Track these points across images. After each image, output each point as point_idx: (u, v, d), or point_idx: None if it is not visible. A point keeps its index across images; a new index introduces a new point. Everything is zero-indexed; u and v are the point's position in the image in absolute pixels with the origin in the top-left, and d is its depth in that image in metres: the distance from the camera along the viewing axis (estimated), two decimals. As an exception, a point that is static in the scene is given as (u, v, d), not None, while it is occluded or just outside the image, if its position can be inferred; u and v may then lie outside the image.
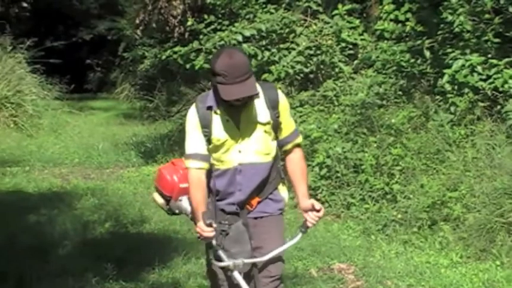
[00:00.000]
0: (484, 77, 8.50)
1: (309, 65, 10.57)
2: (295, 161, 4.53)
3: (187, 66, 11.36)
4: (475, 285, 6.59)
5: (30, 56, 18.13)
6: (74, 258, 7.20)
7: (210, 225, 4.17)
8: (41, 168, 12.65)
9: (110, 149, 14.71)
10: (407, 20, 10.12)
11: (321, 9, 11.23)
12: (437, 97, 9.00)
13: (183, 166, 4.64)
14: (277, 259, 4.46)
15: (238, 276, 4.26)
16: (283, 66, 10.50)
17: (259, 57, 10.76)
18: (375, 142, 8.97)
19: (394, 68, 9.78)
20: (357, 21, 10.99)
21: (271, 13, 11.14)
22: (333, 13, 10.99)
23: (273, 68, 10.56)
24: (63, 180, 11.56)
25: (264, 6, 11.41)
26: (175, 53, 11.45)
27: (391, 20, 10.27)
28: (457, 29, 8.84)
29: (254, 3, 11.44)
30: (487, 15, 8.74)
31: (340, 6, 10.95)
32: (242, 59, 4.26)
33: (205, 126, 4.37)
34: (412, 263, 7.22)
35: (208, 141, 4.39)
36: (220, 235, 4.31)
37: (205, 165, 4.40)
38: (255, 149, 4.40)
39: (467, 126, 8.50)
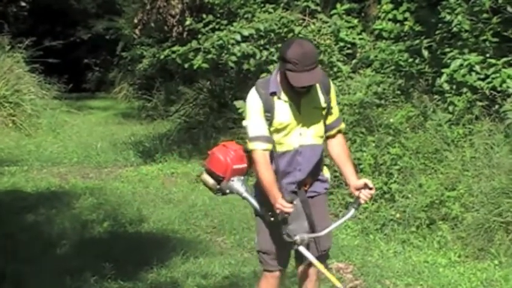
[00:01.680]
0: (482, 76, 8.51)
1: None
2: (340, 145, 4.89)
3: (186, 65, 11.35)
4: (473, 284, 6.60)
5: (29, 56, 18.14)
6: (72, 258, 7.21)
7: (291, 202, 4.50)
8: (39, 167, 12.65)
9: (109, 149, 14.72)
10: (405, 19, 10.13)
11: (319, 8, 11.23)
12: (436, 96, 9.00)
13: (234, 148, 4.97)
14: (328, 234, 4.87)
15: (304, 250, 4.66)
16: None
17: (257, 57, 10.75)
18: (373, 141, 8.97)
19: (393, 67, 9.78)
20: (355, 21, 10.98)
21: (270, 13, 11.14)
22: (332, 13, 10.99)
23: (271, 67, 10.55)
24: (62, 180, 11.56)
25: (262, 5, 11.40)
26: (173, 52, 11.45)
27: (389, 19, 10.28)
28: (455, 29, 8.84)
29: (252, 3, 11.43)
30: (485, 15, 8.74)
31: (338, 5, 10.94)
32: (312, 49, 4.62)
33: (268, 110, 4.66)
34: (410, 263, 7.23)
35: (270, 125, 4.68)
36: (278, 213, 4.61)
37: (270, 147, 4.70)
38: (313, 132, 4.76)
39: (465, 126, 8.50)
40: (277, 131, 4.71)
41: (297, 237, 4.61)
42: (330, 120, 4.84)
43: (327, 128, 4.85)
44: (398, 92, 9.54)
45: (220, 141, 12.88)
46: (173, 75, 19.28)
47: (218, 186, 5.00)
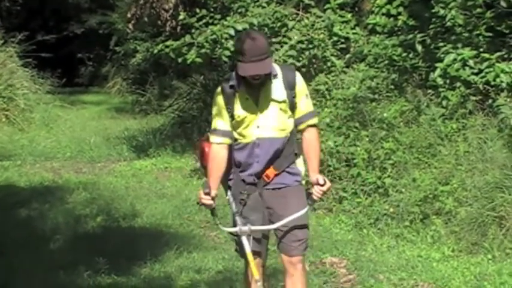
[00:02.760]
0: (475, 71, 8.51)
1: (301, 59, 10.56)
2: (309, 140, 4.93)
3: (179, 60, 11.32)
4: (466, 278, 6.60)
5: (22, 50, 18.12)
6: (66, 253, 7.20)
7: (207, 193, 4.74)
8: (32, 162, 12.64)
9: (102, 143, 14.72)
10: (399, 14, 10.11)
11: (313, 3, 11.21)
12: (429, 91, 9.00)
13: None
14: (302, 224, 4.89)
15: (244, 241, 4.78)
16: (275, 60, 10.48)
17: (251, 51, 10.72)
18: (367, 136, 8.97)
19: (386, 62, 9.78)
20: (349, 15, 10.97)
21: (263, 7, 11.12)
22: (325, 7, 10.98)
23: (265, 61, 10.53)
24: (55, 175, 11.55)
25: (256, 0, 11.39)
26: (167, 47, 11.42)
27: (383, 14, 10.26)
28: (448, 23, 8.84)
29: (246, -3, 11.43)
30: (478, 9, 8.74)
31: (332, 0, 10.94)
32: (261, 41, 4.69)
33: (228, 103, 4.83)
34: (404, 257, 7.24)
35: (232, 117, 4.84)
36: (239, 203, 4.88)
37: (226, 141, 4.87)
38: (272, 125, 4.83)
39: (459, 120, 8.51)
40: (238, 123, 4.85)
41: (237, 228, 4.81)
42: (298, 114, 4.89)
43: (296, 123, 4.90)
44: (392, 87, 9.54)
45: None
46: (167, 70, 19.28)
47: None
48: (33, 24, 26.81)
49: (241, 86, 4.79)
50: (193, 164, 5.36)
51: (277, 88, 4.81)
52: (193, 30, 11.29)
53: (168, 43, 11.48)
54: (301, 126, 4.92)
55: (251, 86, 4.76)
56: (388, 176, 8.45)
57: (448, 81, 8.70)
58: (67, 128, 16.90)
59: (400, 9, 10.12)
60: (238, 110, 4.82)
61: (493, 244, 7.13)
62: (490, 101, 8.36)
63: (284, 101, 4.81)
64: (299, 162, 5.01)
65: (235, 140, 4.89)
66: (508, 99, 8.13)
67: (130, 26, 15.42)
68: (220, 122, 4.87)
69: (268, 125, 4.82)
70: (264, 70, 4.67)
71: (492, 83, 8.33)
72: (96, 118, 19.46)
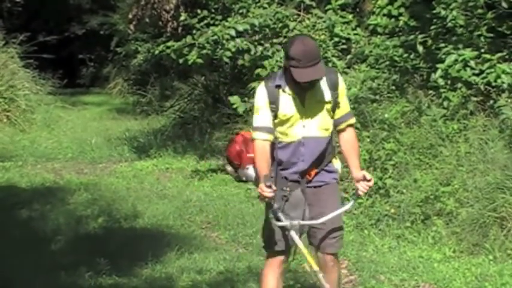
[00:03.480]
0: (477, 71, 8.51)
1: (302, 59, 10.55)
2: (348, 139, 5.10)
3: (181, 61, 11.32)
4: (467, 279, 6.60)
5: (23, 51, 18.11)
6: (67, 253, 7.20)
7: (269, 186, 4.72)
8: (33, 163, 12.65)
9: (103, 144, 14.72)
10: (400, 14, 10.12)
11: (314, 4, 11.22)
12: (430, 92, 9.00)
13: (249, 137, 5.20)
14: (339, 221, 5.10)
15: (294, 235, 4.86)
16: (277, 61, 10.49)
17: (252, 52, 10.74)
18: (368, 137, 8.97)
19: (387, 62, 9.77)
20: (350, 16, 10.98)
21: (265, 8, 11.12)
22: (326, 8, 10.98)
23: (266, 62, 10.55)
24: (56, 175, 11.56)
25: (257, 1, 11.38)
26: (168, 47, 11.42)
27: (384, 14, 10.26)
28: (450, 24, 8.84)
29: (247, -2, 11.43)
30: (479, 10, 8.74)
31: (333, 1, 10.94)
32: (314, 46, 4.84)
33: (273, 102, 4.91)
34: (405, 258, 7.23)
35: (275, 116, 4.92)
36: (281, 200, 4.94)
37: (270, 137, 4.93)
38: (317, 125, 4.96)
39: (460, 121, 8.50)
40: (282, 122, 4.93)
41: (287, 223, 4.87)
42: (339, 114, 5.03)
43: (336, 122, 5.04)
44: (393, 88, 9.54)
45: (215, 136, 12.96)
46: (168, 71, 19.28)
47: (236, 174, 5.33)
48: (35, 25, 26.80)
49: (288, 86, 4.90)
50: (226, 168, 5.38)
51: (322, 89, 4.93)
52: (194, 31, 11.30)
53: (169, 44, 11.48)
54: (342, 126, 5.06)
55: (299, 87, 4.85)
56: (389, 177, 8.45)
57: (449, 82, 8.70)
58: (68, 128, 16.90)
59: (401, 10, 10.12)
60: (284, 109, 4.91)
61: (494, 245, 7.13)
62: (491, 101, 8.36)
63: (329, 102, 4.95)
64: (335, 161, 5.17)
65: (277, 138, 4.99)
66: (509, 100, 8.13)
67: (131, 27, 15.42)
68: (265, 120, 4.93)
69: (313, 124, 4.95)
70: (319, 75, 4.80)
71: (493, 84, 8.33)
72: (97, 119, 19.46)
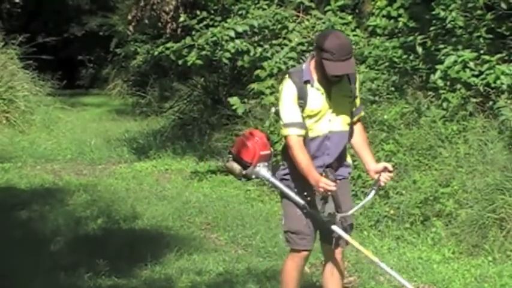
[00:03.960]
0: (476, 73, 8.51)
1: (301, 61, 10.55)
2: (360, 132, 5.21)
3: (180, 62, 11.33)
4: (467, 280, 6.60)
5: (22, 52, 18.11)
6: (66, 254, 7.19)
7: (334, 180, 4.85)
8: (33, 164, 12.64)
9: (102, 145, 14.71)
10: (399, 16, 10.12)
11: (313, 5, 11.22)
12: (430, 93, 9.00)
13: (259, 135, 5.29)
14: (352, 218, 5.22)
15: (337, 228, 4.98)
16: (276, 62, 10.48)
17: (251, 53, 10.73)
18: (367, 138, 8.94)
19: (387, 64, 9.78)
20: (350, 17, 10.97)
21: (264, 9, 11.12)
22: (326, 9, 10.98)
23: (265, 64, 10.54)
24: (56, 176, 11.55)
25: (256, 2, 11.38)
26: (167, 49, 11.42)
27: (383, 16, 10.27)
28: (449, 25, 8.85)
29: (246, -1, 11.44)
30: (479, 11, 8.75)
31: (332, 2, 10.93)
32: (348, 41, 5.00)
33: (302, 97, 4.95)
34: (404, 259, 7.23)
35: (302, 111, 4.96)
36: (307, 196, 5.02)
37: (304, 132, 4.97)
38: (342, 119, 5.06)
39: (459, 122, 8.51)
40: (309, 117, 4.98)
41: (338, 216, 4.97)
42: (354, 108, 5.15)
43: (352, 115, 5.15)
44: (393, 89, 9.54)
45: (215, 137, 12.95)
46: (167, 72, 19.28)
47: (244, 172, 5.28)
48: (34, 26, 26.81)
49: (317, 81, 4.97)
50: (231, 167, 5.37)
51: (345, 83, 5.04)
52: (193, 32, 11.30)
53: (168, 45, 11.48)
54: (354, 119, 5.16)
55: (327, 81, 4.94)
56: (389, 178, 8.43)
57: (448, 83, 8.71)
58: (67, 130, 16.90)
59: (401, 11, 10.12)
60: (312, 104, 4.96)
61: (493, 246, 7.13)
62: (491, 103, 8.36)
63: (351, 96, 5.07)
64: (348, 155, 5.29)
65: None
66: (509, 101, 8.13)
67: (130, 28, 15.41)
68: (296, 115, 4.95)
69: (339, 119, 5.03)
70: (351, 69, 4.92)
71: (492, 85, 8.33)
72: (96, 120, 19.46)
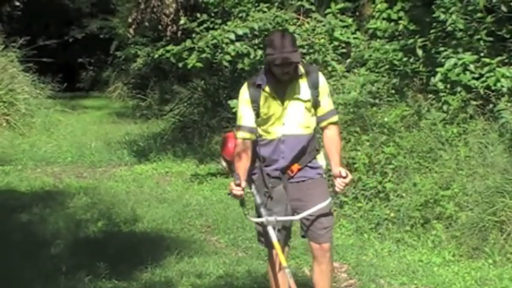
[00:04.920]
0: (476, 75, 8.51)
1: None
2: (330, 136, 5.21)
3: (180, 65, 11.34)
4: (467, 283, 6.60)
5: (23, 55, 18.14)
6: (67, 257, 7.19)
7: (238, 184, 4.94)
8: (33, 167, 12.65)
9: (103, 148, 14.72)
10: (400, 18, 10.13)
11: (313, 7, 11.23)
12: (430, 96, 9.00)
13: None
14: (328, 213, 5.20)
15: (270, 230, 5.06)
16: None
17: (251, 56, 10.75)
18: (368, 141, 8.97)
19: (387, 66, 9.78)
20: (350, 20, 10.99)
21: (264, 12, 11.14)
22: (326, 12, 10.99)
23: (266, 66, 10.54)
24: (56, 179, 11.56)
25: (256, 4, 11.41)
26: (168, 51, 11.44)
27: (383, 18, 10.28)
28: (449, 28, 8.85)
29: (247, 2, 11.44)
30: (479, 14, 8.75)
31: (332, 5, 10.95)
32: (291, 36, 5.07)
33: (254, 101, 5.09)
34: (404, 262, 7.23)
35: (257, 114, 5.11)
36: (264, 196, 5.16)
37: (251, 136, 5.14)
38: (297, 123, 5.11)
39: (459, 125, 8.51)
40: (263, 120, 5.12)
41: (264, 219, 5.07)
42: (320, 112, 5.17)
43: (318, 120, 5.18)
44: (393, 91, 9.54)
45: (215, 140, 12.96)
46: (167, 75, 19.30)
47: (228, 168, 5.47)
48: (34, 29, 26.83)
49: (268, 85, 5.08)
50: (221, 163, 5.59)
51: (302, 87, 5.09)
52: (194, 35, 11.32)
53: (168, 48, 11.50)
54: (323, 124, 5.20)
55: (278, 84, 5.04)
56: (389, 181, 8.44)
57: (448, 85, 8.71)
58: (68, 132, 16.91)
59: (401, 14, 10.14)
60: (265, 108, 5.09)
61: (493, 249, 7.13)
62: (491, 105, 8.36)
63: (309, 100, 5.09)
64: (320, 157, 5.30)
65: (260, 136, 5.17)
66: (509, 104, 8.13)
67: (131, 30, 15.44)
68: (246, 119, 5.12)
69: (293, 122, 5.10)
70: (294, 59, 4.94)
71: (493, 88, 8.33)
72: (97, 123, 19.48)
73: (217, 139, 12.85)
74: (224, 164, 5.53)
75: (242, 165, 5.09)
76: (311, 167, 5.23)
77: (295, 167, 5.16)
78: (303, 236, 5.32)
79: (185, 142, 13.99)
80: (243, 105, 5.15)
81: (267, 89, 5.08)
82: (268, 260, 5.42)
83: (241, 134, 5.13)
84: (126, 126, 17.99)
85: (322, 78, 5.17)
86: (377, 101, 9.48)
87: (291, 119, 5.09)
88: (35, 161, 13.13)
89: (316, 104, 5.13)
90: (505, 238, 7.16)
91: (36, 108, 17.38)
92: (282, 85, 5.05)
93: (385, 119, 9.04)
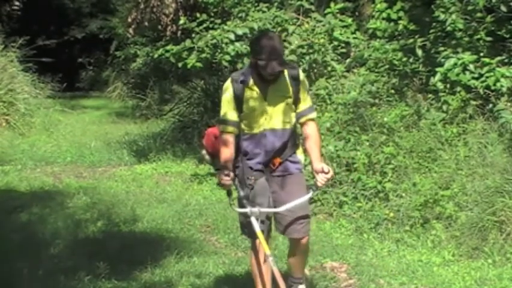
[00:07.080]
0: (476, 75, 8.52)
1: (301, 63, 10.57)
2: (310, 132, 5.36)
3: (180, 64, 11.33)
4: (467, 283, 6.60)
5: (22, 55, 18.13)
6: (66, 257, 7.19)
7: (227, 175, 5.10)
8: (33, 166, 12.64)
9: (102, 148, 14.72)
10: (399, 18, 10.13)
11: (313, 7, 11.23)
12: (430, 96, 9.01)
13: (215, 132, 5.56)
14: (305, 207, 5.38)
15: (253, 220, 5.16)
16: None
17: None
18: (368, 141, 8.97)
19: (387, 66, 9.79)
20: (350, 20, 10.98)
21: (264, 12, 11.14)
22: (326, 12, 10.99)
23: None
24: (55, 179, 11.55)
25: (256, 4, 11.40)
26: (167, 51, 11.43)
27: (383, 18, 10.28)
28: (449, 28, 8.86)
29: (246, 2, 11.44)
30: (479, 14, 8.76)
31: (332, 4, 10.95)
32: (278, 39, 5.21)
33: (238, 96, 5.25)
34: (404, 262, 7.23)
35: (240, 110, 5.26)
36: (246, 188, 5.28)
37: (234, 130, 5.28)
38: (279, 118, 5.28)
39: (459, 125, 8.51)
40: (246, 115, 5.28)
41: (247, 209, 5.18)
42: (300, 109, 5.35)
43: (298, 116, 5.36)
44: (392, 91, 9.55)
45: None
46: (167, 75, 19.28)
47: (211, 161, 5.64)
48: (34, 28, 26.83)
49: (252, 81, 5.24)
50: (203, 155, 5.68)
51: (285, 84, 5.26)
52: (193, 35, 11.31)
53: (168, 48, 11.49)
54: (302, 120, 5.36)
55: (262, 81, 5.20)
56: (389, 181, 8.45)
57: (448, 85, 8.72)
58: (67, 132, 16.90)
59: (401, 13, 10.14)
60: (248, 103, 5.24)
61: (493, 249, 7.13)
62: (491, 105, 8.37)
63: (290, 96, 5.27)
64: (299, 152, 5.48)
65: (243, 130, 5.32)
66: (509, 104, 8.14)
67: (130, 30, 15.42)
68: (229, 114, 5.27)
69: (275, 118, 5.27)
70: (282, 67, 5.13)
71: (492, 88, 8.34)
72: (96, 123, 19.46)
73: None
74: (207, 157, 5.67)
75: (228, 158, 5.22)
76: (291, 161, 5.40)
77: (277, 160, 5.34)
78: (281, 233, 5.49)
79: (185, 142, 13.98)
80: (226, 100, 5.29)
81: (251, 84, 5.24)
82: (251, 249, 5.54)
83: (224, 128, 5.28)
84: (126, 126, 17.98)
85: (302, 75, 5.35)
86: (377, 101, 9.49)
87: (274, 114, 5.26)
88: (34, 161, 13.12)
89: (296, 100, 5.30)
90: (504, 238, 7.17)
91: (36, 108, 17.37)
92: (266, 82, 5.21)
93: (385, 119, 9.05)
